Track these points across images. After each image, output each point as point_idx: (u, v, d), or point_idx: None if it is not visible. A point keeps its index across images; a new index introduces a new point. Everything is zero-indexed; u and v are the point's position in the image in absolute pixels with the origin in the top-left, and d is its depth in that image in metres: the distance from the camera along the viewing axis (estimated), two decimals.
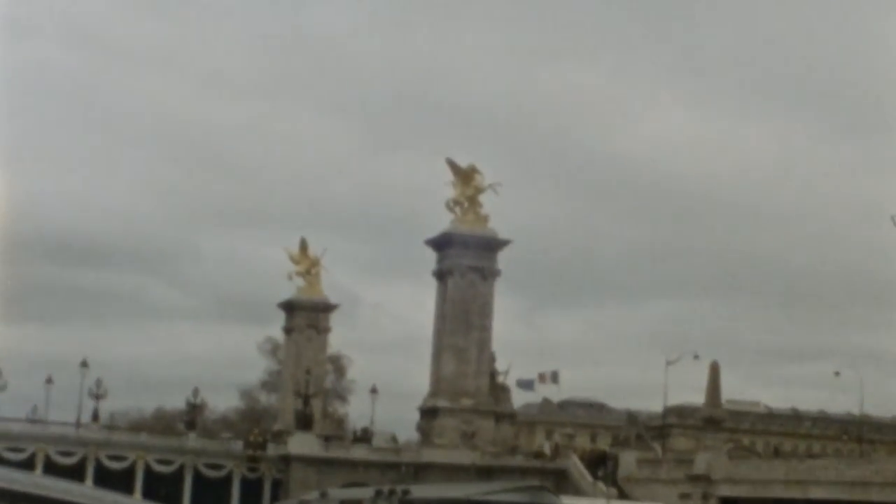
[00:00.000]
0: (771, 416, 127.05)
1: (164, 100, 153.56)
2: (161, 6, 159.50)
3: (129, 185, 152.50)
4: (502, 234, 65.65)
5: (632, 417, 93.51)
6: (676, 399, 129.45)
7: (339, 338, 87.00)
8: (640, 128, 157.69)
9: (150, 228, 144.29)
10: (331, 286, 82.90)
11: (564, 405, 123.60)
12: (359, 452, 62.73)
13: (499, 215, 66.54)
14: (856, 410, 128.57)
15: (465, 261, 64.61)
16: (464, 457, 61.61)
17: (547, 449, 67.02)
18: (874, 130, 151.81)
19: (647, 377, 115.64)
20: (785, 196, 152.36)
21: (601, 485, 55.27)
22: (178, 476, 60.45)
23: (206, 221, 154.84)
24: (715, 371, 55.51)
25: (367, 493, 52.41)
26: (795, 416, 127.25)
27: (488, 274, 65.12)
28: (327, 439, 65.91)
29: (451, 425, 63.32)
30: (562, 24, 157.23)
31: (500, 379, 65.73)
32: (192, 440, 62.82)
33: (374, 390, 71.15)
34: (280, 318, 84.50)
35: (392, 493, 48.24)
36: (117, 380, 74.33)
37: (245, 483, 61.61)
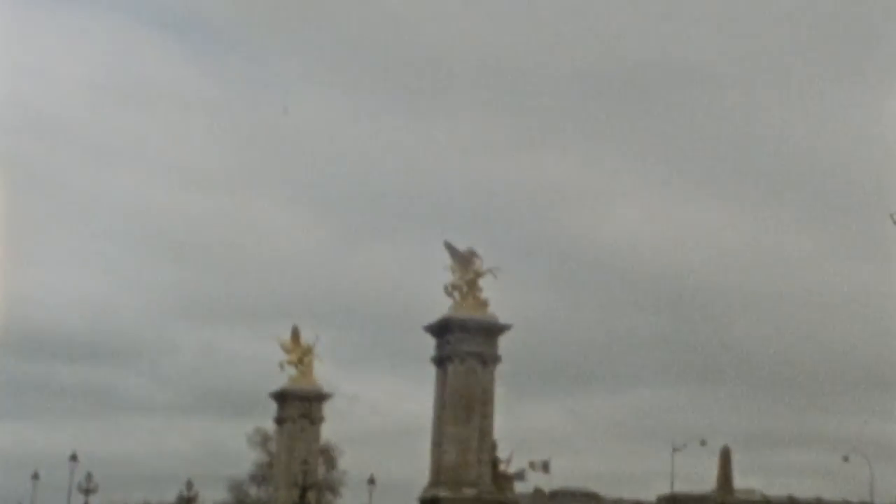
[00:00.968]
0: None
1: (137, 193, 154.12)
2: (133, 100, 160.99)
3: (103, 280, 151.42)
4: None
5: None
6: (663, 488, 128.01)
7: (327, 429, 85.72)
8: (615, 216, 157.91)
9: (125, 323, 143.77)
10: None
11: (555, 495, 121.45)
12: None
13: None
14: (852, 498, 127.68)
15: (466, 346, 63.21)
16: None
17: None
18: (849, 215, 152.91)
19: (637, 466, 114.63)
20: (762, 282, 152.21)
21: None
22: None
23: (183, 315, 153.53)
24: (726, 456, 54.35)
25: None
26: None
27: (489, 360, 63.70)
28: None
29: None
30: (531, 115, 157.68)
31: (502, 468, 64.08)
32: None
33: (371, 481, 69.59)
34: (265, 409, 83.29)
35: None
36: (98, 475, 72.92)
37: None
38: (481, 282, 64.50)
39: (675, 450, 61.67)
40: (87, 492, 61.64)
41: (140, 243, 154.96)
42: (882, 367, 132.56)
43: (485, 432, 63.40)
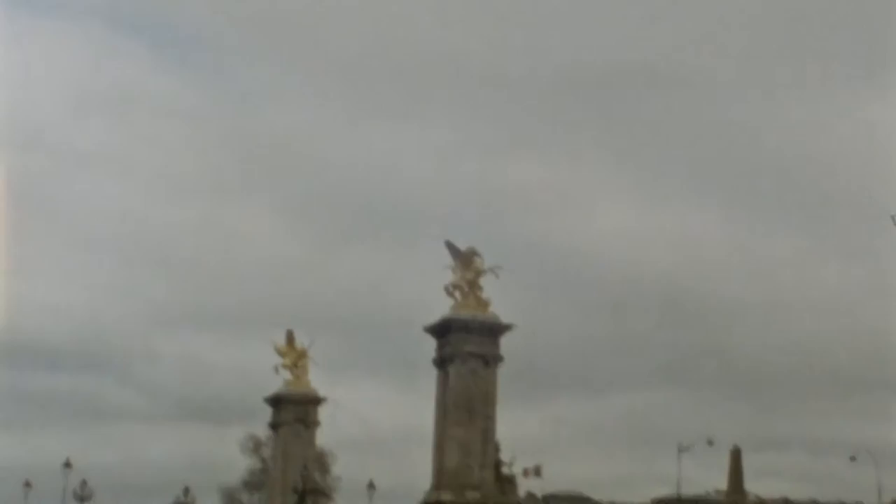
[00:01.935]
0: None
1: (117, 201, 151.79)
2: (111, 108, 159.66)
3: (84, 289, 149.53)
4: None
5: None
6: (657, 492, 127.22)
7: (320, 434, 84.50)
8: (598, 220, 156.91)
9: (108, 331, 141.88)
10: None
11: (548, 499, 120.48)
12: None
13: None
14: (847, 500, 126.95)
15: (468, 347, 62.06)
16: None
17: None
18: (836, 217, 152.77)
19: (625, 469, 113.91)
20: (748, 285, 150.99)
21: None
22: None
23: (166, 323, 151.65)
24: (736, 457, 53.14)
25: None
26: None
27: (491, 360, 62.56)
28: None
29: None
30: (512, 118, 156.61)
31: (506, 470, 62.89)
32: None
33: (371, 486, 68.40)
34: (251, 416, 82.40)
35: None
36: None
37: None
38: (482, 281, 63.53)
39: (681, 450, 60.51)
40: (83, 499, 60.33)
41: (121, 251, 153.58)
42: (870, 368, 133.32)
43: (487, 434, 62.26)
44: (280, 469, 78.61)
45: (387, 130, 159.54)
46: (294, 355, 79.87)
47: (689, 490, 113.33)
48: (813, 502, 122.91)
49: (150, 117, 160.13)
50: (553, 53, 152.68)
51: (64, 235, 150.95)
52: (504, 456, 62.95)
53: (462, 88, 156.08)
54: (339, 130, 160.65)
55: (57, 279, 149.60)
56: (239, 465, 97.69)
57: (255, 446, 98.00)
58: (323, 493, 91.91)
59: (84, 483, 60.32)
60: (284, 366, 79.84)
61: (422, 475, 68.57)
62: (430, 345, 64.81)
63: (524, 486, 75.23)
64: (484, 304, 63.12)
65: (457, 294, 63.23)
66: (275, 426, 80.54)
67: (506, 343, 63.12)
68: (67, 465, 62.08)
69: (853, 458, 68.95)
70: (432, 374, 65.23)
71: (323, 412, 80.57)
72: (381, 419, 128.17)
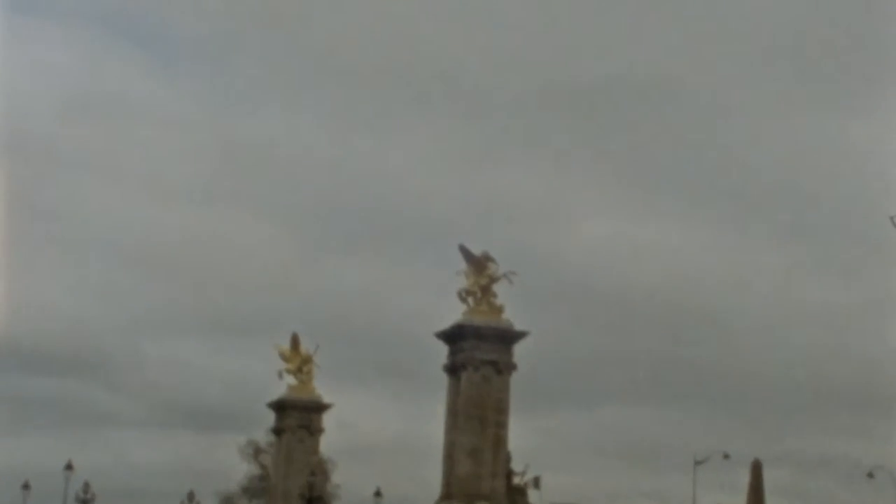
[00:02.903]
0: None
1: (106, 206, 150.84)
2: (101, 113, 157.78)
3: (72, 293, 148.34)
4: None
5: None
6: None
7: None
8: (581, 233, 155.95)
9: (95, 335, 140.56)
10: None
11: None
12: None
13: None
14: None
15: (480, 354, 60.80)
16: None
17: None
18: (819, 232, 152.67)
19: (616, 483, 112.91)
20: (731, 299, 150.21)
21: None
22: None
23: (153, 328, 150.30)
24: (757, 471, 51.79)
25: None
26: None
27: (504, 368, 61.28)
28: None
29: None
30: (495, 130, 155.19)
31: (517, 480, 61.58)
32: None
33: (378, 493, 67.11)
34: (241, 423, 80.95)
35: None
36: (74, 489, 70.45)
37: None
38: (496, 287, 62.31)
39: (697, 462, 59.23)
40: (85, 502, 58.91)
41: (110, 256, 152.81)
42: (846, 383, 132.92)
43: (499, 443, 60.98)
44: (282, 476, 77.24)
45: (374, 139, 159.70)
46: (298, 360, 78.52)
47: None
48: None
49: (140, 122, 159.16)
50: (542, 65, 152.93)
51: (52, 239, 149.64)
52: (516, 466, 61.72)
53: (448, 99, 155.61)
54: (329, 136, 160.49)
55: (46, 283, 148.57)
56: (232, 471, 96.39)
57: (255, 452, 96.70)
58: (327, 502, 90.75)
59: (87, 486, 58.96)
60: (288, 371, 78.46)
61: (422, 484, 67.57)
62: (427, 351, 63.76)
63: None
64: (497, 311, 61.92)
65: (469, 300, 62.02)
66: (278, 432, 79.17)
67: None
68: (69, 467, 60.68)
69: (871, 475, 67.50)
70: (433, 380, 64.21)
71: (327, 419, 79.48)
72: (375, 427, 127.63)
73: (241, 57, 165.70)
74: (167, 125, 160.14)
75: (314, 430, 77.89)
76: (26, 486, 64.72)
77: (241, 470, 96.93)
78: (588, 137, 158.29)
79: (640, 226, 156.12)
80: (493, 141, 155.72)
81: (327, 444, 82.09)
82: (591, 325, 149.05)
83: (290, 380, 78.62)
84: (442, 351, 63.02)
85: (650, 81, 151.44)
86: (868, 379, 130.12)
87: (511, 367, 61.47)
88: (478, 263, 61.91)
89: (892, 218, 44.11)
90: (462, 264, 62.09)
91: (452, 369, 62.09)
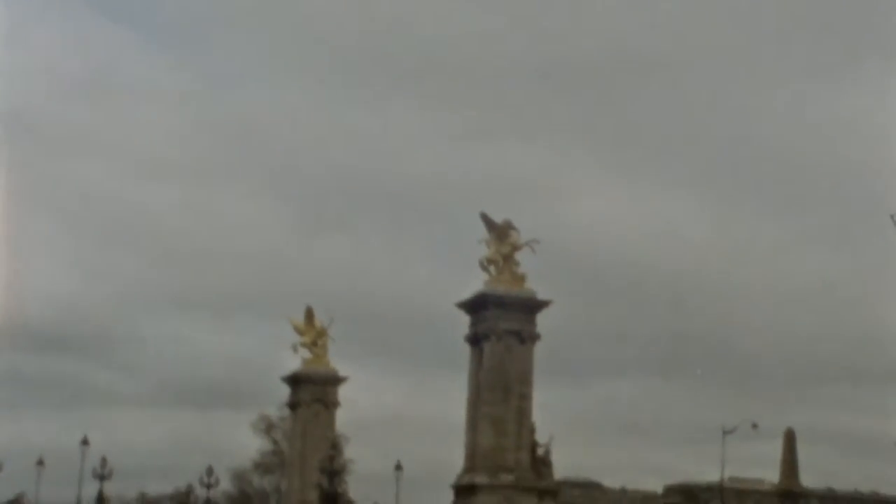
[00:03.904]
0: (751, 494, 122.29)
1: (98, 184, 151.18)
2: (87, 92, 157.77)
3: (67, 271, 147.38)
4: None
5: (691, 494, 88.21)
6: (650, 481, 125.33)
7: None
8: (580, 209, 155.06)
9: (91, 314, 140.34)
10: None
11: (559, 485, 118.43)
12: None
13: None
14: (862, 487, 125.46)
15: (503, 324, 59.58)
16: None
17: None
18: (814, 205, 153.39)
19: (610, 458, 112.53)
20: (729, 273, 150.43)
21: None
22: None
23: (149, 306, 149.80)
24: (790, 440, 50.55)
25: None
26: (802, 494, 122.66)
27: (527, 337, 60.07)
28: None
29: (491, 503, 57.77)
30: (494, 106, 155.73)
31: (541, 452, 60.32)
32: None
33: (398, 467, 66.06)
34: (242, 399, 79.72)
35: None
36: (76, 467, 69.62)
37: None
38: (518, 255, 61.05)
39: (725, 432, 58.05)
40: (102, 478, 57.82)
41: (99, 233, 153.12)
42: (850, 357, 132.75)
43: (523, 414, 59.77)
44: (298, 451, 76.10)
45: (369, 116, 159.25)
46: (313, 333, 77.32)
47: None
48: (828, 489, 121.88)
49: (133, 99, 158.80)
50: (534, 44, 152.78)
51: (48, 218, 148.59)
52: (540, 437, 60.50)
53: (446, 76, 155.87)
54: (321, 114, 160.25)
55: (41, 262, 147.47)
56: (238, 447, 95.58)
57: (268, 427, 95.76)
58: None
59: (104, 461, 57.88)
60: (303, 344, 77.27)
61: (440, 458, 66.51)
62: (433, 324, 62.53)
63: None
64: (520, 280, 60.68)
65: (491, 268, 60.77)
66: (293, 406, 78.05)
67: None
68: (85, 442, 59.61)
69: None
70: (441, 353, 63.14)
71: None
72: (386, 402, 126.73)
73: (234, 35, 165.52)
74: (159, 102, 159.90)
75: (330, 404, 76.71)
76: (40, 463, 63.63)
77: (246, 446, 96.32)
78: (584, 114, 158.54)
79: (637, 201, 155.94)
80: (491, 116, 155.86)
81: (341, 418, 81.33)
82: (588, 300, 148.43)
83: (305, 353, 77.44)
84: (450, 323, 62.04)
85: (650, 57, 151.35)
86: (864, 354, 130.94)
87: (534, 336, 60.26)
88: (500, 231, 60.65)
89: (892, 216, 43.45)
90: (483, 232, 60.81)
91: (475, 340, 60.88)
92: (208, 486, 60.28)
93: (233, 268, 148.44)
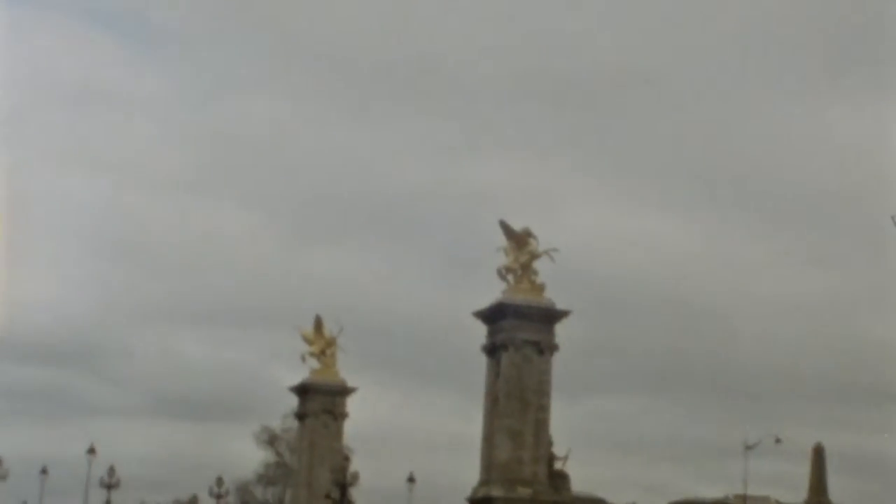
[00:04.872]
0: None
1: (85, 195, 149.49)
2: (74, 101, 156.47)
3: (54, 282, 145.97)
4: None
5: None
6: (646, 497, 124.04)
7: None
8: (564, 222, 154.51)
9: (78, 325, 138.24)
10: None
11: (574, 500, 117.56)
12: None
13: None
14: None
15: (522, 334, 58.31)
16: None
17: None
18: (801, 222, 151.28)
19: (615, 474, 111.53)
20: (713, 292, 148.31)
21: None
22: None
23: (137, 317, 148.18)
24: (819, 456, 49.22)
25: None
26: None
27: (545, 348, 58.82)
28: None
29: None
30: (478, 118, 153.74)
31: (559, 465, 59.07)
32: None
33: (411, 479, 64.79)
34: (234, 413, 78.37)
35: None
36: (68, 479, 68.33)
37: None
38: (537, 264, 59.84)
39: (747, 447, 56.81)
40: (109, 487, 56.44)
41: (88, 244, 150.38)
42: (837, 375, 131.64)
43: (541, 426, 58.48)
44: (306, 463, 74.76)
45: (355, 128, 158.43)
46: (322, 343, 76.12)
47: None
48: None
49: (120, 110, 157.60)
50: (520, 54, 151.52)
51: (37, 231, 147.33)
52: (558, 450, 59.25)
53: (430, 88, 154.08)
54: (311, 126, 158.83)
55: (31, 274, 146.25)
56: (236, 459, 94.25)
57: (271, 439, 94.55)
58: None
59: (112, 470, 56.51)
60: (312, 354, 76.07)
61: (452, 471, 65.14)
62: (425, 342, 61.29)
63: None
64: (538, 289, 59.45)
65: (510, 277, 59.56)
66: (300, 417, 76.75)
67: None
68: (91, 451, 58.28)
69: None
70: (428, 368, 61.91)
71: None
72: (393, 414, 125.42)
73: (223, 46, 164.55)
74: (149, 114, 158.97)
75: (338, 415, 75.50)
76: (44, 471, 62.35)
77: (241, 458, 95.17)
78: (569, 128, 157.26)
79: (625, 216, 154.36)
80: (475, 128, 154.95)
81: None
82: (578, 314, 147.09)
83: (314, 363, 76.25)
84: (453, 335, 60.90)
85: (636, 70, 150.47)
86: (858, 370, 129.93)
87: (553, 347, 59.03)
88: (519, 239, 59.44)
89: (893, 217, 42.59)
90: (502, 240, 59.61)
91: (492, 350, 59.61)
92: (218, 497, 58.97)
93: (223, 279, 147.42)
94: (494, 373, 59.24)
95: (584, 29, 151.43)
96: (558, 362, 60.76)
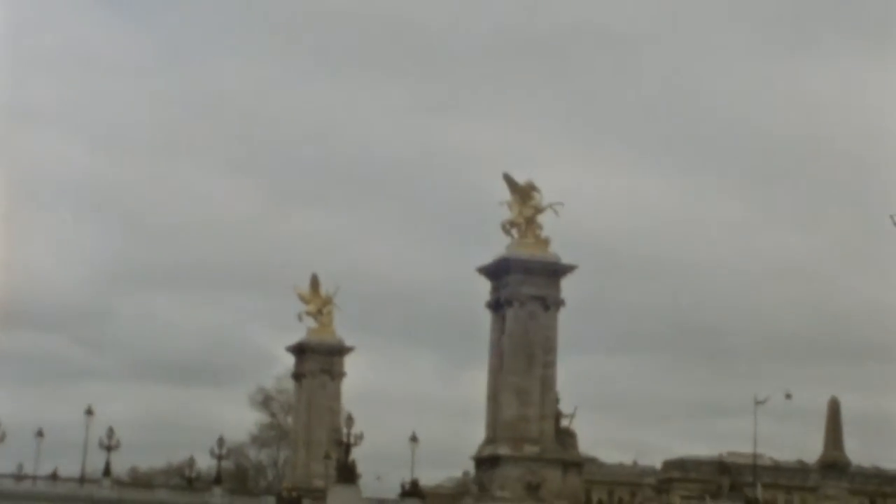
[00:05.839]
0: (777, 469, 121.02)
1: (63, 158, 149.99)
2: (53, 66, 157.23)
3: (40, 247, 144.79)
4: None
5: (723, 467, 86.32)
6: (669, 453, 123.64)
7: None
8: (542, 183, 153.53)
9: (59, 288, 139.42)
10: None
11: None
12: None
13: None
14: None
15: (526, 289, 57.12)
16: None
17: None
18: (778, 182, 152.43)
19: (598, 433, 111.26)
20: (692, 249, 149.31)
21: None
22: None
23: (119, 281, 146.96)
24: (834, 409, 48.25)
25: None
26: (802, 469, 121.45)
27: (551, 303, 57.63)
28: None
29: (515, 475, 55.37)
30: (456, 79, 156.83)
31: (566, 423, 57.98)
32: (219, 496, 54.67)
33: (413, 438, 63.73)
34: (213, 376, 77.02)
35: None
36: (59, 442, 67.25)
37: None
38: (541, 218, 58.57)
39: (757, 402, 55.97)
40: (109, 448, 55.33)
41: (70, 209, 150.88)
42: (811, 334, 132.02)
43: (547, 383, 57.44)
44: (304, 423, 73.64)
45: (333, 90, 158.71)
46: (319, 301, 74.83)
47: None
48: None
49: (100, 73, 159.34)
50: (500, 16, 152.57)
51: (16, 195, 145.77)
52: (564, 407, 58.19)
53: (407, 49, 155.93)
54: (287, 88, 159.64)
55: (12, 238, 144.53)
56: (223, 421, 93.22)
57: (265, 400, 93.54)
58: None
59: (111, 431, 55.42)
60: (308, 313, 74.77)
61: (451, 429, 64.06)
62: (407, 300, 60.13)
63: None
64: (543, 243, 58.23)
65: (514, 232, 58.29)
66: (297, 377, 75.59)
67: None
68: (89, 412, 57.17)
69: None
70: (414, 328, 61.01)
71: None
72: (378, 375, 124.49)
73: (200, 8, 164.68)
74: (126, 76, 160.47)
75: (336, 375, 74.35)
76: (40, 434, 61.22)
77: (230, 420, 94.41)
78: (548, 88, 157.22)
79: (601, 175, 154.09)
80: (453, 89, 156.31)
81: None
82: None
83: (311, 322, 75.00)
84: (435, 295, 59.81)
85: (613, 33, 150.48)
86: (835, 330, 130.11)
87: (559, 302, 57.85)
88: (522, 193, 58.21)
89: (892, 217, 42.06)
90: (506, 194, 58.31)
91: (496, 305, 58.45)
92: (219, 458, 57.89)
93: (202, 243, 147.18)
94: (499, 329, 58.11)
95: None
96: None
